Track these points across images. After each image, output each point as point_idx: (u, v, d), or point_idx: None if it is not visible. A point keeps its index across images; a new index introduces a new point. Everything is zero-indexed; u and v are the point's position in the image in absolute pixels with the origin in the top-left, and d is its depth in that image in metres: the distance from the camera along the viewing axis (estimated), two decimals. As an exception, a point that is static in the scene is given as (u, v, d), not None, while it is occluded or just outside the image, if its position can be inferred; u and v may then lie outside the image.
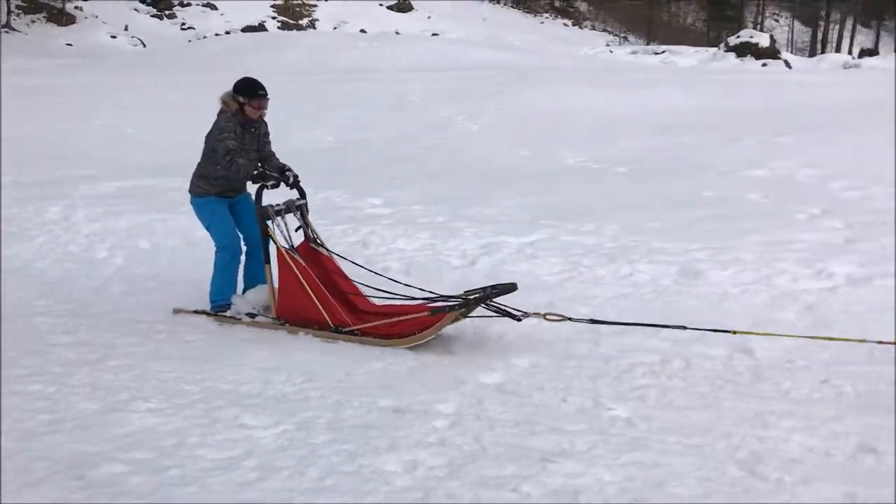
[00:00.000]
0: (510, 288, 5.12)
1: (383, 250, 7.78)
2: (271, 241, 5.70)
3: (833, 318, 5.66)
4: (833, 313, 5.76)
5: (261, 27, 48.71)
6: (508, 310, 5.07)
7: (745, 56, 36.19)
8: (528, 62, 26.09)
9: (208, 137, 5.78)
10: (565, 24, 61.06)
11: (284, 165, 5.98)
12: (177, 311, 6.13)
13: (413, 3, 55.16)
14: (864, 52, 47.71)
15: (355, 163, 12.76)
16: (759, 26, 55.68)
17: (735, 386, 4.51)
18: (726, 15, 59.94)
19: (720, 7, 60.34)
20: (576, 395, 4.35)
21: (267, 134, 6.10)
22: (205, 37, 42.88)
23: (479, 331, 5.59)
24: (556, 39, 50.66)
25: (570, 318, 4.94)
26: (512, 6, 62.21)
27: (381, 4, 54.59)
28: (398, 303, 5.63)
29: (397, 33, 41.39)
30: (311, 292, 5.43)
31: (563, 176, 11.38)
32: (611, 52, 43.33)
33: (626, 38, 57.67)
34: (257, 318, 5.84)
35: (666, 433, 3.81)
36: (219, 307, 6.01)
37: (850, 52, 51.12)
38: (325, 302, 5.43)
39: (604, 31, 60.75)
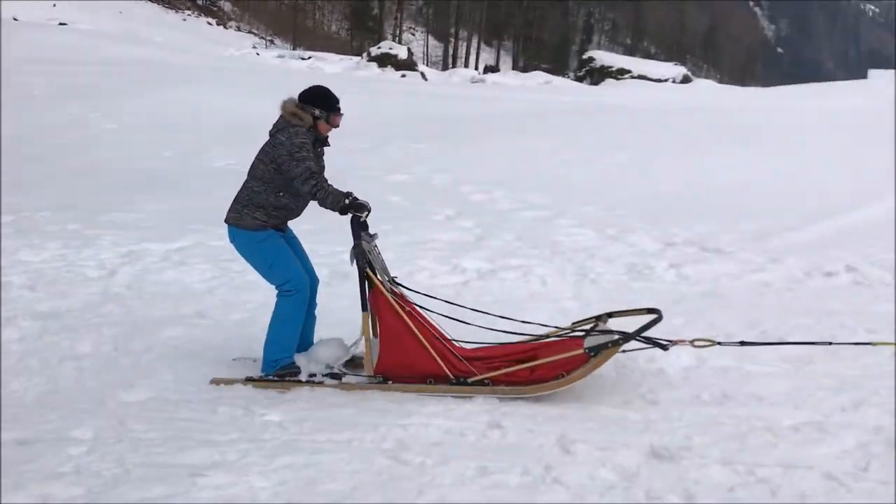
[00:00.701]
0: (658, 317, 4.51)
1: (3, 263, 6.93)
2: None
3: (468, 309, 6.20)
4: (467, 304, 6.31)
5: None
6: (657, 340, 4.43)
7: (386, 66, 38.35)
8: (170, 60, 24.96)
9: (273, 156, 4.58)
10: (209, 23, 59.42)
11: (348, 193, 4.68)
12: (217, 382, 4.65)
13: (35, -13, 49.69)
14: (488, 69, 53.29)
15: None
16: (397, 39, 59.28)
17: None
18: (368, 26, 62.97)
19: (362, 18, 63.19)
20: (227, 405, 4.25)
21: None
22: None
23: (120, 345, 5.22)
24: (200, 38, 49.09)
25: (719, 343, 4.44)
26: (151, 0, 58.98)
27: (-6, -14, 48.38)
28: (511, 341, 4.87)
29: (15, 20, 36.99)
30: (424, 341, 4.49)
31: (212, 179, 11.09)
32: (257, 54, 43.16)
33: (272, 41, 57.73)
34: (345, 380, 4.67)
35: (317, 432, 3.88)
36: (286, 369, 4.70)
37: (476, 68, 56.68)
38: (440, 350, 4.52)
39: (250, 32, 60.19)
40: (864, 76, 51.21)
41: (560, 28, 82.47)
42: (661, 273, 7.33)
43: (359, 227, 4.57)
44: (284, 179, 4.58)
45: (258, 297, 6.47)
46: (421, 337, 4.48)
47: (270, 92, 18.34)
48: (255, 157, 4.73)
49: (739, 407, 4.31)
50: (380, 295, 4.55)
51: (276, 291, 4.75)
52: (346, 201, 4.48)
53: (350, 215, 4.54)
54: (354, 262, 4.60)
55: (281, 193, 4.64)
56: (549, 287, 6.90)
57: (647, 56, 75.24)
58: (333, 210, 4.53)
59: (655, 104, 21.96)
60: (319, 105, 4.69)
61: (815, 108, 19.49)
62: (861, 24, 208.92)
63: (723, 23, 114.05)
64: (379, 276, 4.59)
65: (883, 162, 12.27)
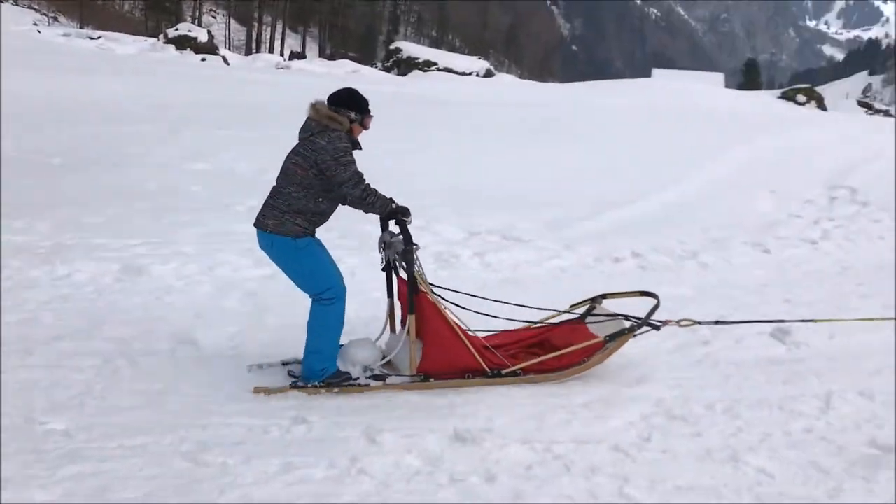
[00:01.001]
0: (657, 302, 4.90)
1: None
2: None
3: (273, 303, 6.07)
4: (272, 297, 6.18)
5: None
6: (651, 321, 4.80)
7: (185, 49, 36.55)
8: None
9: (313, 161, 4.43)
10: (-19, -4, 53.89)
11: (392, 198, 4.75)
12: (267, 392, 4.43)
13: None
14: (294, 55, 52.26)
15: None
16: (197, 21, 56.72)
17: (177, 378, 4.51)
18: (164, 6, 59.69)
19: (158, -3, 59.79)
20: (3, 415, 3.87)
21: None
22: None
23: None
24: (-28, 11, 44.44)
25: (699, 322, 4.94)
26: None
27: None
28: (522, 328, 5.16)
29: None
30: (465, 340, 4.62)
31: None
32: (39, 31, 39.71)
33: (55, 18, 53.30)
34: (389, 381, 4.63)
35: (107, 439, 3.62)
36: (334, 378, 4.57)
37: (281, 54, 55.42)
38: (477, 346, 4.69)
39: (29, 7, 55.21)
40: (650, 75, 55.61)
41: (367, 17, 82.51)
42: (466, 261, 7.55)
43: (408, 231, 4.62)
44: (324, 184, 4.51)
45: (39, 295, 5.98)
46: (463, 336, 4.63)
47: (56, 74, 16.97)
48: (289, 162, 4.58)
49: (537, 387, 4.53)
50: (426, 298, 4.61)
51: (311, 300, 4.62)
52: (394, 206, 4.59)
53: (390, 219, 4.70)
54: (401, 263, 4.68)
55: (320, 199, 4.55)
56: (357, 278, 6.86)
57: (452, 49, 76.87)
58: (380, 214, 4.62)
59: (460, 97, 22.53)
60: (354, 108, 4.65)
61: (607, 105, 20.82)
62: (646, 27, 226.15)
63: (523, 21, 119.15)
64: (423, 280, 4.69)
65: (665, 156, 13.33)
